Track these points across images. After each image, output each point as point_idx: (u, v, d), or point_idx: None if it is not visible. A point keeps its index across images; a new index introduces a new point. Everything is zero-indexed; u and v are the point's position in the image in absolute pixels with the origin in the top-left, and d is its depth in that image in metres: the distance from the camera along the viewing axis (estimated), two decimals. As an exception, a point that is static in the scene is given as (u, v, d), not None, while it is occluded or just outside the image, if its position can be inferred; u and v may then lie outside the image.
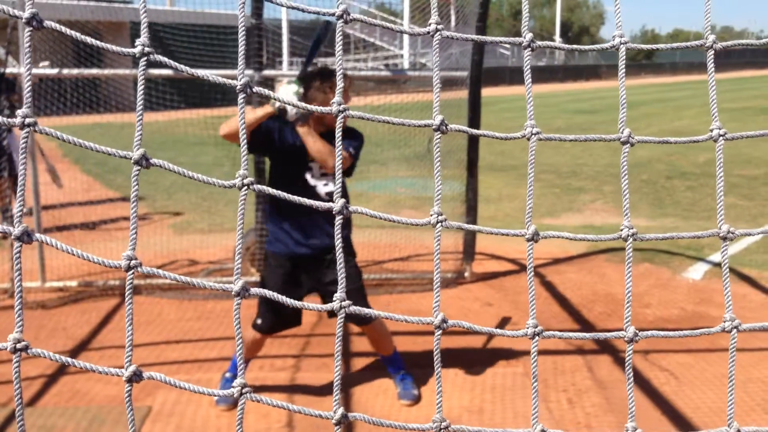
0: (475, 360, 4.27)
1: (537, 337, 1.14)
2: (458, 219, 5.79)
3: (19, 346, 1.00)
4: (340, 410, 1.09)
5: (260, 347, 3.83)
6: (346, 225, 3.73)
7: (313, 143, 3.41)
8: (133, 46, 1.05)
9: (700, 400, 3.81)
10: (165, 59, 1.06)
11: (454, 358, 4.26)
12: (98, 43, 1.06)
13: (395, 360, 3.92)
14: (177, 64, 1.08)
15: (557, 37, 60.85)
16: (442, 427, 1.10)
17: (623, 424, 4.02)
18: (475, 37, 1.20)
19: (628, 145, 1.15)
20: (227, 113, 6.81)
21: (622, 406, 3.74)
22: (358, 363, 4.27)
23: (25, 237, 1.01)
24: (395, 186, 9.08)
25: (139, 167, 1.05)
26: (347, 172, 3.61)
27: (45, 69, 5.44)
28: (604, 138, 1.17)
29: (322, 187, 3.60)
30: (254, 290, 1.10)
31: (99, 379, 3.95)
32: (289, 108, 3.37)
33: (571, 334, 1.20)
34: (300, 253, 3.60)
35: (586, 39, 75.50)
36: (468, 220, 5.79)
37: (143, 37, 1.05)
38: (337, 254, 1.16)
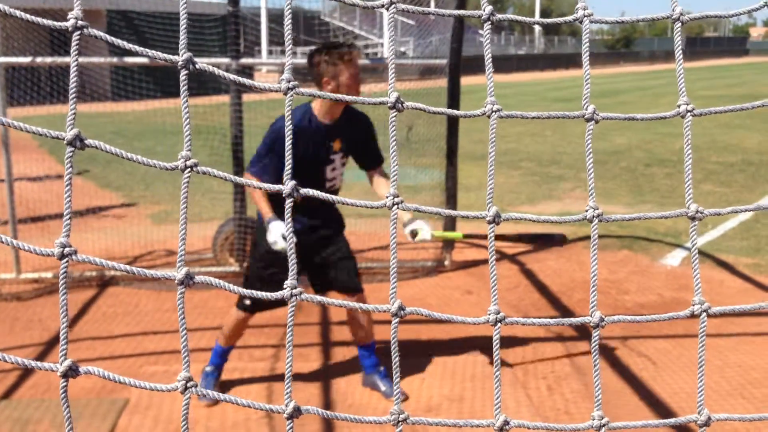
0: (455, 349, 4.26)
1: (499, 324, 1.12)
2: (438, 207, 5.77)
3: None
4: (292, 404, 1.05)
5: (243, 329, 3.78)
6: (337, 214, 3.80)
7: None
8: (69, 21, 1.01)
9: (677, 385, 3.84)
10: (100, 33, 1.02)
11: (433, 347, 4.26)
12: (27, 16, 1.02)
13: (372, 351, 3.85)
14: (114, 39, 1.04)
15: (536, 26, 60.88)
16: (400, 419, 1.07)
17: (603, 409, 4.00)
18: (433, 10, 1.18)
19: (593, 122, 1.13)
20: (204, 102, 6.74)
21: (602, 392, 3.76)
22: (339, 354, 4.25)
23: None
24: (375, 175, 9.07)
25: (72, 148, 1.00)
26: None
27: (19, 58, 5.34)
28: (567, 115, 1.14)
29: (341, 179, 3.71)
30: (199, 278, 1.05)
31: (75, 372, 3.90)
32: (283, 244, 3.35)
33: (534, 320, 1.19)
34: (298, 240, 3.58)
35: (565, 27, 75.64)
36: (448, 209, 5.78)
37: (76, 10, 1.01)
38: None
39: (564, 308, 4.99)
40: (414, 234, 3.43)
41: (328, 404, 3.66)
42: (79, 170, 10.29)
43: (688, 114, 1.11)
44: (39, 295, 5.18)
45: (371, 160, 3.74)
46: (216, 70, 1.06)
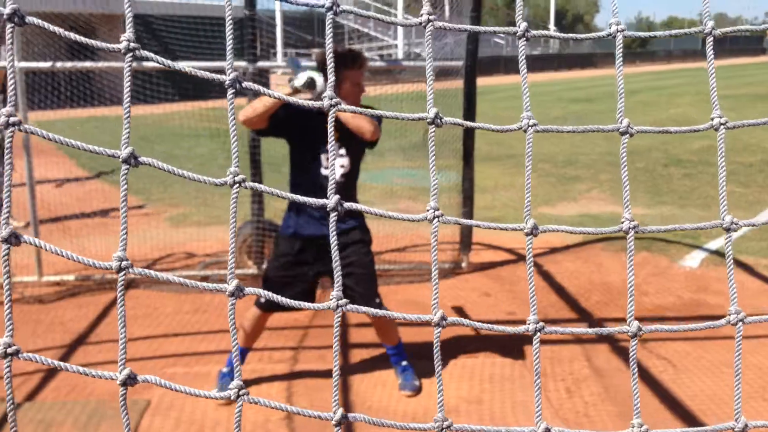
0: (472, 350, 4.27)
1: (538, 333, 1.12)
2: (455, 209, 5.78)
3: (9, 350, 0.99)
4: (340, 411, 1.07)
5: (261, 330, 3.80)
6: (357, 212, 3.73)
7: (348, 118, 3.42)
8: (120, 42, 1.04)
9: (698, 387, 3.82)
10: (151, 55, 1.04)
11: (451, 349, 4.27)
12: (81, 38, 1.04)
13: (400, 350, 3.92)
14: (164, 60, 1.06)
15: (551, 25, 60.67)
16: (444, 426, 1.08)
17: (622, 412, 4.02)
18: (469, 27, 1.19)
19: (627, 135, 1.13)
20: (223, 105, 6.78)
21: (621, 395, 3.75)
22: (357, 355, 4.27)
23: (13, 239, 0.99)
24: (392, 177, 9.07)
25: (128, 166, 1.03)
26: (374, 143, 3.60)
27: (39, 63, 5.40)
28: (602, 129, 1.15)
29: (339, 168, 3.61)
30: (248, 290, 1.08)
31: (97, 374, 3.94)
32: (319, 83, 3.36)
33: (572, 329, 1.19)
34: (307, 235, 3.59)
35: (580, 27, 75.37)
36: (464, 211, 5.79)
37: (128, 32, 1.03)
38: (331, 249, 1.14)
39: (582, 310, 4.98)
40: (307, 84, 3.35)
41: (347, 406, 3.68)
42: (98, 173, 10.39)
43: (722, 127, 1.12)
44: (61, 297, 5.23)
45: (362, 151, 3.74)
46: (263, 90, 1.09)
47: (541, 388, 1.15)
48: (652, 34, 1.19)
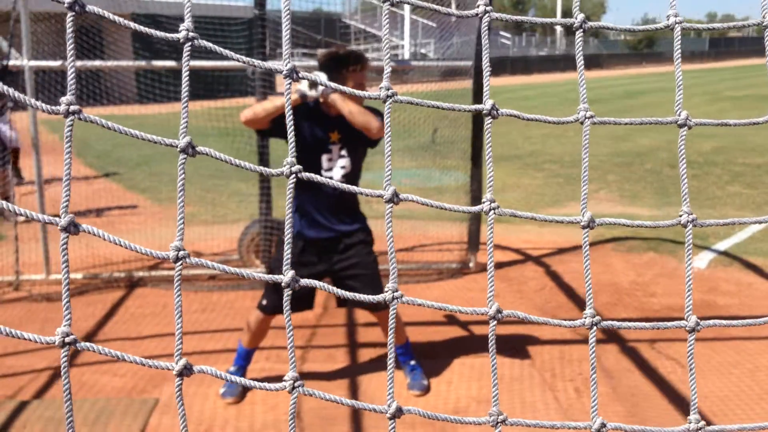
0: (481, 349, 4.26)
1: (594, 328, 1.12)
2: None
3: (67, 339, 1.00)
4: (395, 404, 1.07)
5: (265, 331, 3.80)
6: (359, 214, 3.73)
7: (351, 108, 3.42)
8: (177, 33, 1.04)
9: (707, 388, 3.80)
10: (210, 45, 1.05)
11: (461, 349, 4.26)
12: (141, 27, 1.05)
13: (407, 350, 3.92)
14: (224, 50, 1.07)
15: (558, 27, 60.42)
16: (499, 420, 1.08)
17: (631, 412, 3.99)
18: (524, 18, 1.18)
19: (686, 127, 1.13)
20: (231, 105, 6.79)
21: (629, 395, 3.74)
22: (365, 354, 4.27)
23: (72, 228, 1.00)
24: (399, 177, 9.06)
25: (185, 155, 1.03)
26: (377, 141, 3.59)
27: (49, 62, 5.42)
28: (661, 121, 1.14)
29: (340, 169, 3.60)
30: (304, 281, 1.08)
31: (106, 371, 3.95)
32: (313, 92, 3.37)
33: (629, 324, 1.18)
34: (311, 237, 3.59)
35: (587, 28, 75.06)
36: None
37: (187, 22, 1.04)
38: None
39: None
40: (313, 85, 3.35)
41: (355, 405, 3.67)
42: (107, 172, 10.42)
43: None
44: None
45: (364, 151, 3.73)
46: (318, 78, 1.08)
47: (597, 384, 1.14)
48: (710, 26, 1.18)
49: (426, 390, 3.79)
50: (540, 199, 8.84)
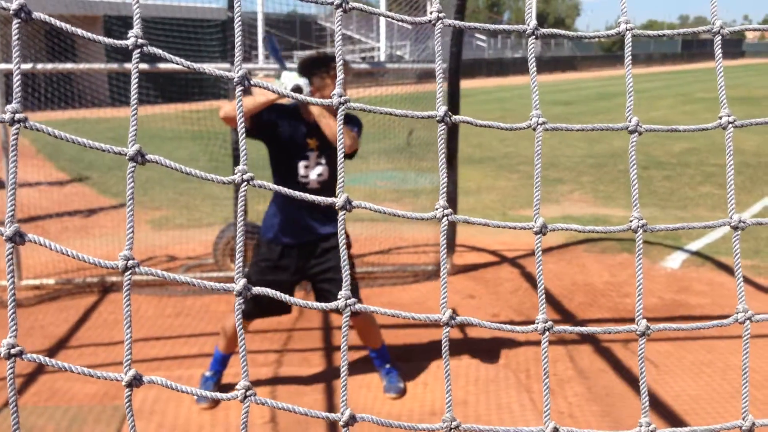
0: (457, 353, 4.27)
1: (547, 333, 1.12)
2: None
3: (13, 351, 0.98)
4: (348, 411, 1.06)
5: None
6: (336, 217, 3.71)
7: (328, 124, 3.43)
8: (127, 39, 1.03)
9: (680, 387, 3.84)
10: (159, 51, 1.04)
11: (436, 351, 4.26)
12: (90, 35, 1.03)
13: (383, 353, 3.92)
14: (173, 56, 1.06)
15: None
16: (452, 426, 1.07)
17: (606, 412, 4.01)
18: (478, 25, 1.18)
19: (636, 134, 1.13)
20: (204, 107, 6.75)
21: (605, 395, 3.76)
22: (340, 357, 4.25)
23: (17, 238, 0.98)
24: (374, 179, 9.06)
25: (134, 163, 1.01)
26: (352, 155, 3.61)
27: (20, 65, 5.34)
28: (611, 127, 1.15)
29: (316, 176, 3.59)
30: (256, 289, 1.07)
31: (78, 378, 3.90)
32: (305, 90, 3.37)
33: (581, 329, 1.19)
34: (287, 242, 3.58)
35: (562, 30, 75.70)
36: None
37: (136, 29, 1.02)
38: (340, 251, 1.14)
39: (566, 311, 4.99)
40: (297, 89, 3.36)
41: (332, 408, 3.66)
42: (80, 177, 10.29)
43: (730, 126, 1.13)
44: (41, 301, 5.17)
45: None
46: (271, 86, 1.08)
47: (549, 389, 1.14)
48: (661, 33, 1.19)
49: (402, 392, 3.79)
50: (515, 201, 8.89)
